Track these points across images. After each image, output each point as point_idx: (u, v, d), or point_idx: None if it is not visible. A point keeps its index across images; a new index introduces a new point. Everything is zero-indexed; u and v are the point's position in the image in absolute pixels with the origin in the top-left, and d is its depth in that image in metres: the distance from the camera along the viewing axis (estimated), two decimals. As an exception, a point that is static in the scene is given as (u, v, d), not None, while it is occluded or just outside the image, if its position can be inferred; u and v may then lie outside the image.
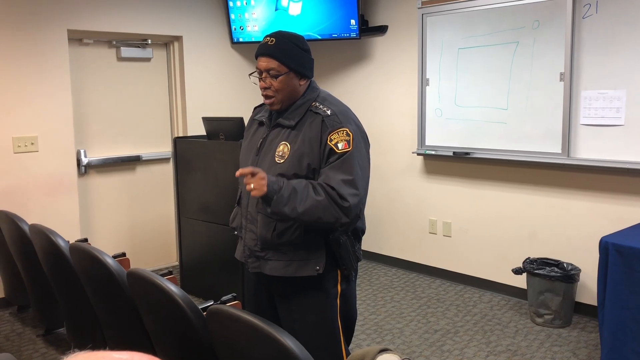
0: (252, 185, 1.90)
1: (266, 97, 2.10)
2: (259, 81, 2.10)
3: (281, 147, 2.07)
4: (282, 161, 2.05)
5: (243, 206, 2.21)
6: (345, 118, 2.05)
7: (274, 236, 2.07)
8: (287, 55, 2.04)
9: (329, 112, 2.04)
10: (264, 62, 2.06)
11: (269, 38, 2.08)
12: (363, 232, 2.25)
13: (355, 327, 3.63)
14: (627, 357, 2.78)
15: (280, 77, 2.04)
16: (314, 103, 2.09)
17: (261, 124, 2.23)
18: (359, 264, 2.32)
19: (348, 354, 2.26)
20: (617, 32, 3.44)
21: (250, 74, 2.21)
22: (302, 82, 2.10)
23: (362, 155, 2.06)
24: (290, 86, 2.07)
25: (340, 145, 1.98)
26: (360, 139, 2.08)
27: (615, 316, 2.80)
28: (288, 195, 1.91)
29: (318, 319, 2.18)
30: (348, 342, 2.35)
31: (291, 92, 2.08)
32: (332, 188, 1.95)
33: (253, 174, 1.90)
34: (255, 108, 2.35)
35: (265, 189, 1.89)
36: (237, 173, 1.95)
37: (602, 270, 2.86)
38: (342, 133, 2.00)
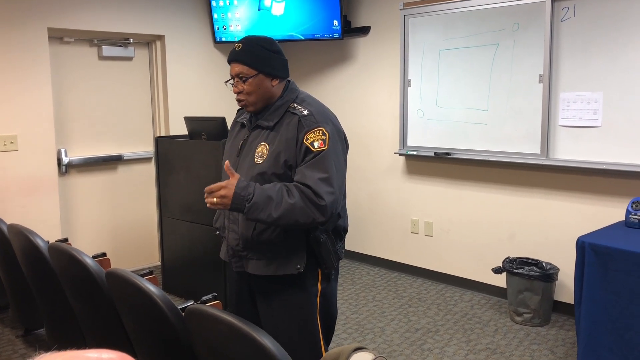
0: (214, 200, 1.95)
1: (239, 101, 2.14)
2: (232, 87, 2.15)
3: (260, 148, 2.11)
4: (261, 161, 2.08)
5: None
6: (322, 118, 2.08)
7: (254, 235, 2.10)
8: (253, 58, 2.08)
9: (305, 112, 2.07)
10: (235, 68, 2.11)
11: (237, 44, 2.12)
12: (345, 231, 2.27)
13: (337, 327, 3.66)
14: (602, 354, 2.83)
15: (249, 80, 2.08)
16: (292, 104, 2.12)
17: (243, 125, 2.27)
18: (341, 263, 2.34)
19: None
20: (595, 36, 3.49)
21: (226, 82, 2.24)
22: (275, 83, 2.12)
23: (338, 155, 2.08)
24: (262, 88, 2.10)
25: (316, 144, 2.01)
26: (337, 139, 2.10)
27: (591, 314, 2.85)
28: (262, 201, 1.94)
29: (298, 317, 2.19)
30: (328, 341, 2.36)
31: (264, 93, 2.11)
32: (308, 186, 1.97)
33: (211, 192, 1.96)
34: (238, 110, 2.38)
35: (228, 205, 1.95)
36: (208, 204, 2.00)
37: (578, 270, 2.91)
38: (318, 132, 2.02)
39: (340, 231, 2.23)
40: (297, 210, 1.96)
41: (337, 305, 2.74)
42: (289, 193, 1.97)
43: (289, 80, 2.21)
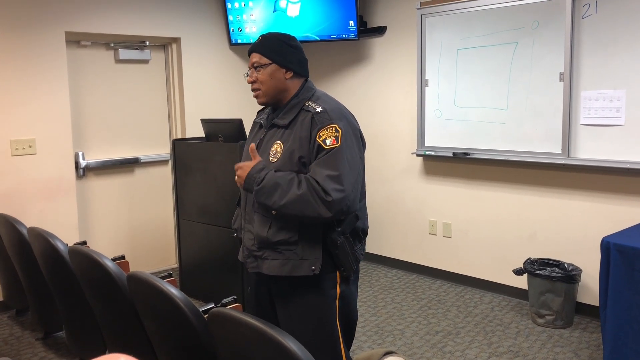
0: (235, 178, 2.13)
1: (253, 91, 2.19)
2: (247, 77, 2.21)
3: (275, 147, 2.12)
4: (275, 160, 2.10)
5: (242, 207, 2.26)
6: (336, 115, 2.07)
7: (269, 235, 2.09)
8: (270, 49, 2.13)
9: (319, 109, 2.07)
10: (252, 59, 2.17)
11: (259, 38, 2.20)
12: (365, 232, 2.24)
13: (356, 329, 3.62)
14: (629, 358, 2.77)
15: (262, 69, 2.13)
16: (307, 102, 2.12)
17: (261, 126, 2.28)
18: (361, 264, 2.32)
19: (348, 356, 2.25)
20: (617, 32, 3.43)
21: (244, 74, 2.28)
22: (288, 75, 2.14)
23: (352, 152, 2.06)
24: (275, 78, 2.13)
25: (328, 142, 2.01)
26: (352, 136, 2.08)
27: (617, 316, 2.79)
28: (269, 187, 2.01)
29: (316, 320, 2.16)
30: (349, 344, 2.33)
31: (276, 84, 2.13)
32: (317, 182, 1.97)
33: (238, 168, 2.13)
34: (258, 112, 2.41)
35: (242, 184, 2.09)
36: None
37: (603, 271, 2.85)
38: (331, 129, 2.02)
39: (359, 232, 2.20)
40: (303, 202, 1.97)
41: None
42: (299, 184, 1.99)
43: (307, 80, 2.21)
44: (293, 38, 2.20)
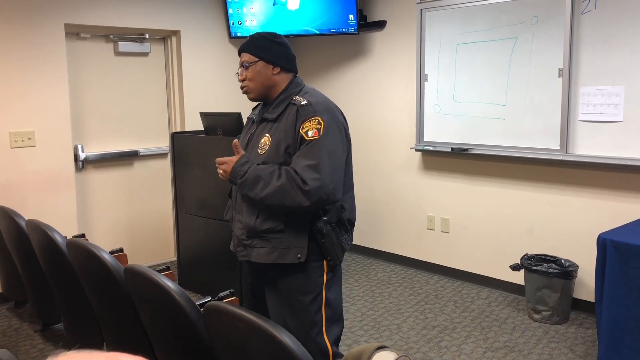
0: (220, 171, 2.21)
1: (242, 88, 2.26)
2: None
3: (263, 140, 2.20)
4: (263, 152, 2.17)
5: (233, 198, 2.34)
6: (320, 108, 2.13)
7: (257, 224, 2.16)
8: (256, 46, 2.22)
9: (304, 102, 2.13)
10: (242, 58, 2.25)
11: (248, 38, 2.29)
12: (351, 223, 2.31)
13: (353, 323, 3.64)
14: (624, 354, 2.78)
15: (250, 67, 2.21)
16: (294, 96, 2.18)
17: (254, 121, 2.36)
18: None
19: (334, 348, 2.28)
20: (616, 28, 3.43)
21: (236, 73, 2.35)
22: (275, 71, 2.21)
23: (334, 144, 2.11)
24: (262, 75, 2.21)
25: (310, 133, 2.08)
26: (335, 129, 2.14)
27: (612, 313, 2.80)
28: (252, 180, 2.09)
29: (301, 309, 2.22)
30: (337, 339, 2.34)
31: (264, 80, 2.21)
32: (296, 172, 2.04)
33: (221, 163, 2.16)
34: (253, 108, 2.47)
35: (227, 178, 2.18)
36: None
37: (599, 267, 2.86)
38: (314, 122, 2.08)
39: (345, 223, 2.26)
40: (283, 192, 2.04)
41: (353, 302, 2.70)
42: (279, 176, 2.06)
43: (296, 76, 2.27)
44: (278, 35, 2.28)
